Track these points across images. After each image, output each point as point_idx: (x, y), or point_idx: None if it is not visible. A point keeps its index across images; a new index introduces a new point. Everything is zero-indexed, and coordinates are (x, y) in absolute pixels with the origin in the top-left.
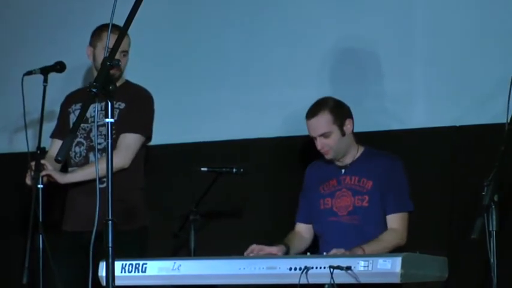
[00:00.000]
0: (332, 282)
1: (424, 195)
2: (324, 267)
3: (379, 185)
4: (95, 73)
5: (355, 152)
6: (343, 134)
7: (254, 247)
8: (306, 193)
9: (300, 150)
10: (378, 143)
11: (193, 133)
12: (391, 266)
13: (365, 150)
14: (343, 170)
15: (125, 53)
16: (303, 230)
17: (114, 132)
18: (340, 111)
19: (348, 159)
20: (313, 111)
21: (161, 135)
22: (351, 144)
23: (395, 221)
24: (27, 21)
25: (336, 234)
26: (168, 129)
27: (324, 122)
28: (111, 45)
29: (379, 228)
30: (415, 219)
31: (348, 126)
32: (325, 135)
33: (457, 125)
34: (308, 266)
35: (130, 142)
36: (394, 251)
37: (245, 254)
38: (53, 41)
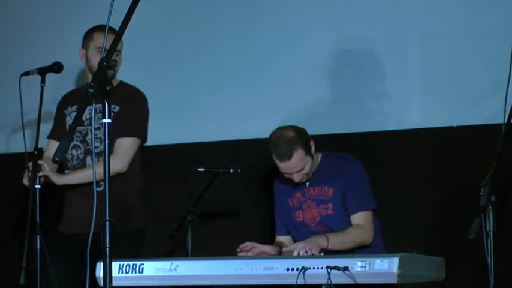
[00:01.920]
0: (329, 282)
1: (421, 195)
2: (321, 268)
3: (339, 190)
4: (89, 74)
5: (316, 162)
6: (312, 157)
7: (247, 244)
8: (277, 207)
9: None
10: (374, 144)
11: (190, 134)
12: (388, 267)
13: (323, 157)
14: (307, 183)
15: (118, 52)
16: (285, 241)
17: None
18: (305, 140)
19: (310, 172)
20: (286, 153)
21: (158, 136)
22: (315, 159)
23: (359, 219)
24: (22, 23)
25: None
26: (165, 130)
27: (299, 159)
28: (107, 47)
29: None
30: (411, 220)
31: (313, 147)
32: (301, 169)
33: (454, 125)
34: (305, 266)
35: (127, 146)
36: (360, 247)
37: (238, 250)
38: (48, 42)
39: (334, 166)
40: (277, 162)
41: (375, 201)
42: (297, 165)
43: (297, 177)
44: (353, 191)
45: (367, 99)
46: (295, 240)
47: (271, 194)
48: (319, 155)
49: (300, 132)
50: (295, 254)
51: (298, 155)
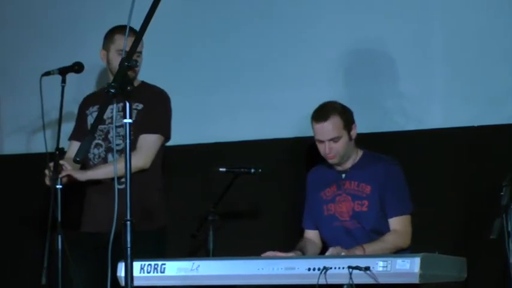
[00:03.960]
0: (351, 282)
1: (442, 195)
2: (343, 268)
3: (378, 190)
4: (110, 76)
5: (355, 156)
6: (350, 138)
7: (269, 253)
8: (309, 200)
9: (316, 150)
10: (395, 144)
11: (211, 134)
12: (409, 266)
13: (364, 154)
14: (343, 175)
15: (139, 53)
16: (313, 236)
17: (132, 133)
18: (348, 116)
19: (348, 164)
20: (324, 114)
21: (180, 136)
22: (353, 148)
23: (397, 224)
24: (43, 23)
25: (343, 238)
26: (187, 130)
27: (335, 126)
28: (127, 48)
29: (380, 232)
30: (433, 220)
31: (354, 131)
32: (334, 139)
33: (475, 125)
34: (327, 266)
35: (150, 143)
36: (397, 253)
37: None
38: (69, 42)
39: (374, 165)
40: (313, 124)
41: (412, 204)
42: (331, 131)
43: (327, 148)
44: (393, 194)
45: (388, 99)
46: (323, 235)
47: (293, 194)
48: (360, 151)
49: (345, 107)
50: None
51: (334, 120)
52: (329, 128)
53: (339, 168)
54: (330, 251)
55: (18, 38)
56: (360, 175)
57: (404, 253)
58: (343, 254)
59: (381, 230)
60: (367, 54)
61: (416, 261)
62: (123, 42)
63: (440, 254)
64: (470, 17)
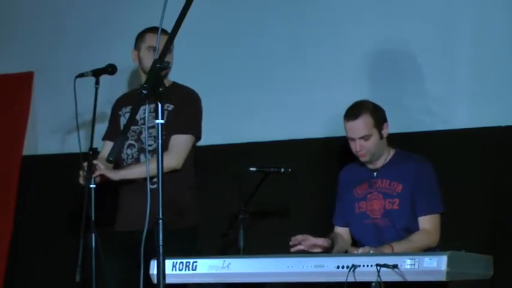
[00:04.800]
0: (379, 280)
1: (468, 195)
2: (371, 266)
3: (410, 188)
4: (142, 75)
5: (387, 155)
6: (381, 137)
7: (299, 236)
8: (340, 197)
9: (346, 150)
10: (421, 143)
11: (242, 134)
12: (437, 264)
13: (396, 153)
14: (374, 173)
15: (169, 51)
16: (342, 233)
17: (164, 133)
18: (379, 114)
19: (380, 162)
20: (355, 113)
21: (211, 136)
22: (385, 147)
23: (426, 223)
24: (76, 26)
25: (373, 236)
26: (218, 130)
27: (365, 124)
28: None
29: (411, 231)
30: (459, 219)
31: (385, 130)
32: (365, 137)
33: (502, 125)
34: (355, 264)
35: (182, 143)
36: (425, 251)
37: (290, 243)
38: (102, 44)
39: (406, 164)
40: (345, 122)
41: (443, 204)
42: (361, 129)
43: (358, 146)
44: (423, 193)
45: (414, 99)
46: (353, 232)
47: (322, 193)
48: (392, 150)
49: (376, 106)
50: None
51: (365, 119)
52: (359, 126)
53: (371, 166)
54: (360, 250)
55: (53, 40)
56: (392, 174)
57: (432, 251)
58: (371, 252)
59: (411, 229)
60: (394, 55)
61: (444, 259)
62: (153, 40)
63: (467, 252)
64: (496, 16)
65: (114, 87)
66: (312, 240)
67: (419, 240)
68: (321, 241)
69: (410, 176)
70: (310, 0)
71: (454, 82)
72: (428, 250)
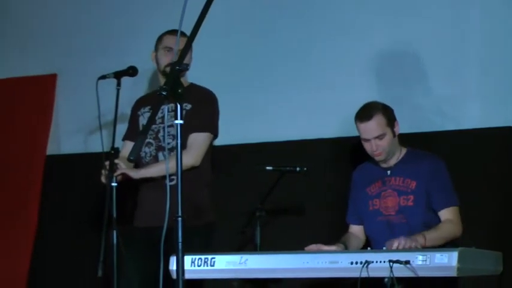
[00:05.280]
0: (391, 275)
1: (479, 193)
2: (384, 262)
3: (424, 185)
4: (160, 76)
5: (399, 154)
6: (394, 135)
7: (312, 246)
8: (354, 195)
9: (357, 149)
10: (432, 143)
11: (258, 134)
12: (448, 260)
13: (407, 151)
14: (388, 172)
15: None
16: (357, 231)
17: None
18: (390, 113)
19: (393, 161)
20: (368, 114)
21: (228, 136)
22: (397, 145)
23: (449, 214)
24: (98, 30)
25: (387, 233)
26: (235, 130)
27: (379, 124)
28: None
29: (426, 227)
30: (471, 216)
31: (396, 128)
32: (379, 137)
33: None
34: (369, 260)
35: (200, 141)
36: (451, 242)
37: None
38: (123, 47)
39: (419, 161)
40: (358, 124)
41: (458, 197)
42: (375, 129)
43: (374, 145)
44: (439, 188)
45: (425, 99)
46: (366, 230)
47: (336, 191)
48: (404, 149)
49: (386, 106)
50: (394, 246)
51: (378, 119)
52: (373, 126)
53: (384, 165)
54: (396, 241)
55: (76, 44)
56: (405, 171)
57: (453, 244)
58: (403, 242)
59: (431, 224)
60: (404, 56)
61: (454, 255)
62: (169, 41)
63: (477, 248)
64: (507, 15)
65: (135, 89)
66: (325, 248)
67: (447, 228)
68: (334, 248)
69: (424, 173)
70: (321, 2)
71: (465, 82)
72: (455, 240)
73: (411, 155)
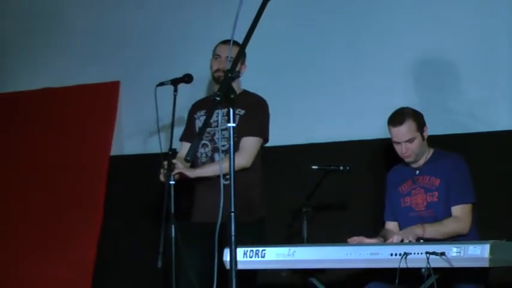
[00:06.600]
0: (428, 266)
1: (510, 192)
2: (421, 253)
3: (445, 182)
4: (212, 81)
5: (427, 154)
6: (423, 138)
7: (355, 238)
8: (389, 195)
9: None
10: (463, 145)
11: (305, 135)
12: (480, 252)
13: (434, 152)
14: (417, 171)
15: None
16: (393, 227)
17: (235, 135)
18: (420, 119)
19: (422, 161)
20: (399, 119)
21: (277, 138)
22: (425, 147)
23: (458, 211)
24: (158, 40)
25: None
26: (284, 132)
27: (409, 129)
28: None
29: None
30: (501, 212)
31: (425, 132)
32: (410, 140)
33: None
34: (407, 252)
35: (251, 144)
36: (454, 237)
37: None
38: (181, 55)
39: (443, 160)
40: (390, 128)
41: (474, 195)
42: (406, 133)
43: (404, 148)
44: (455, 185)
45: (457, 103)
46: (400, 225)
47: (377, 189)
48: (431, 150)
49: (416, 112)
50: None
51: (409, 124)
52: (404, 131)
53: (414, 165)
54: (395, 238)
55: (137, 53)
56: (431, 170)
57: (462, 238)
58: (395, 238)
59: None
60: (439, 63)
61: (487, 247)
62: (220, 49)
63: (507, 241)
64: None
65: (191, 95)
66: (366, 241)
67: (449, 224)
68: (374, 241)
69: (446, 171)
70: (368, 12)
71: (494, 86)
72: (458, 236)
73: (437, 155)
